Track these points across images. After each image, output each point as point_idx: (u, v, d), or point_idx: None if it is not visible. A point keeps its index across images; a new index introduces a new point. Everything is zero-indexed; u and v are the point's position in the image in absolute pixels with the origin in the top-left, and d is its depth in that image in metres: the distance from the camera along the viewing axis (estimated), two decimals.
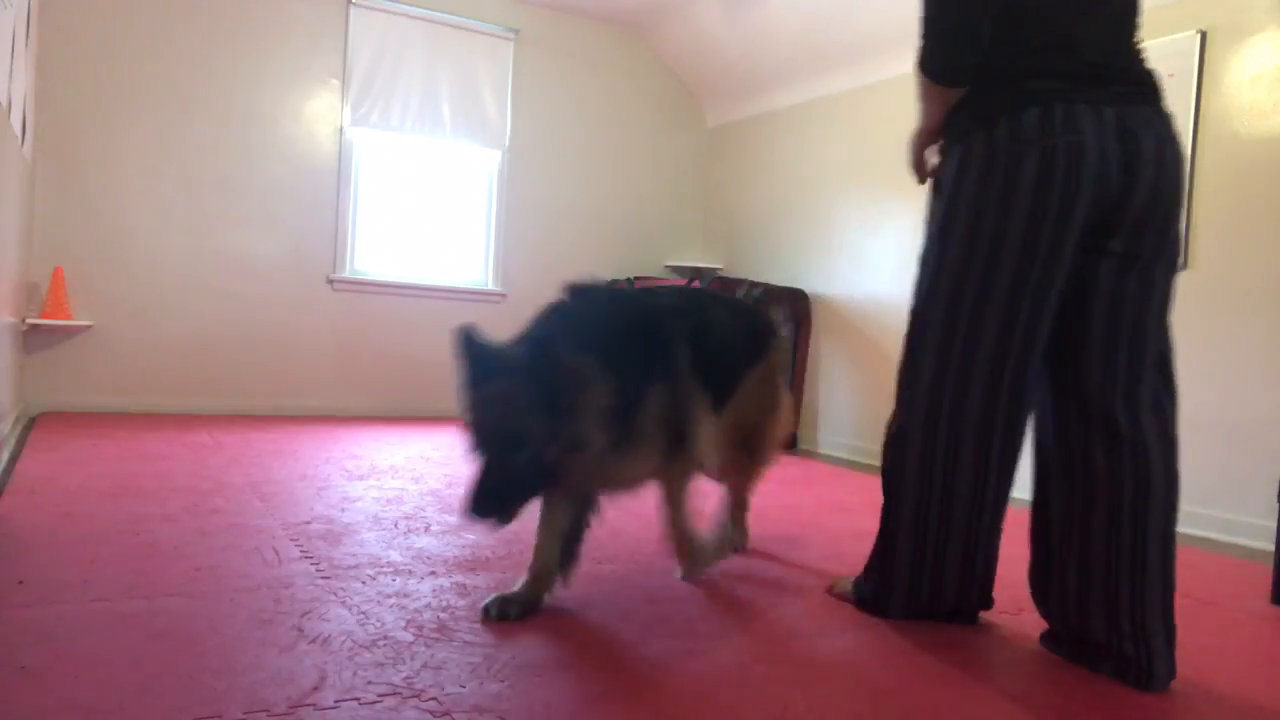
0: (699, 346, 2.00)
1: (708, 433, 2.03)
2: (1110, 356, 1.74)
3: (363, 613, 1.84)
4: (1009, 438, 1.84)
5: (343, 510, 2.81)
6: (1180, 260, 1.78)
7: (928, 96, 1.87)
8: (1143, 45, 1.79)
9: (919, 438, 1.88)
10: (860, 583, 2.08)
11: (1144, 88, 1.74)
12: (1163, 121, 1.73)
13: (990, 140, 1.73)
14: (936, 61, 1.79)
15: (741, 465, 2.46)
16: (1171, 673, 1.70)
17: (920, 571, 1.94)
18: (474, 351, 1.69)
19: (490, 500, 1.65)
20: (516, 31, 5.73)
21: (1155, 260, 1.73)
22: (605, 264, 6.06)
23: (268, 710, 1.36)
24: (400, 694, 1.45)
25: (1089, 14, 1.71)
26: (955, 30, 1.75)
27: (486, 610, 1.86)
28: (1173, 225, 1.74)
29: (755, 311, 2.54)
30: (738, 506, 2.57)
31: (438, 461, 3.89)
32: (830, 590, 2.20)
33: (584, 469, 1.75)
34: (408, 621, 1.80)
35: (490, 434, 1.67)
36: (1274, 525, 2.58)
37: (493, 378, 1.67)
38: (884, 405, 4.80)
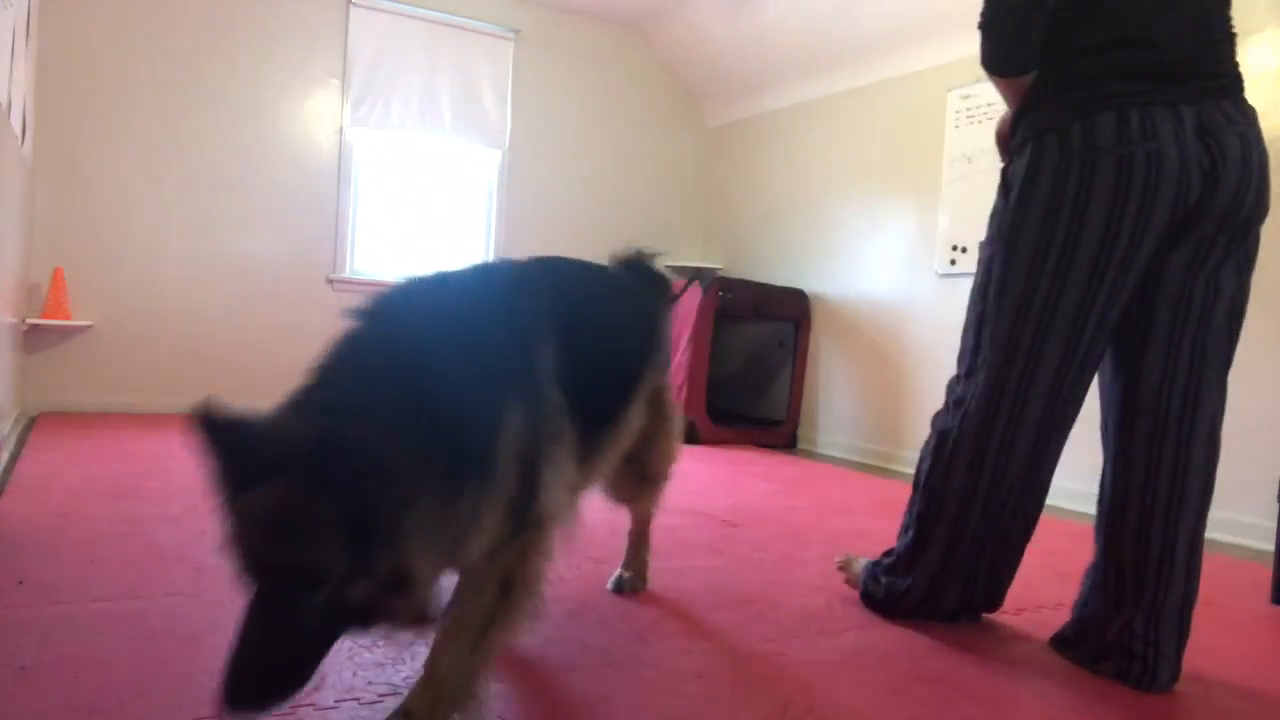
0: (572, 358, 1.39)
1: (563, 493, 1.36)
2: (1172, 359, 1.70)
3: None
4: (1059, 446, 1.84)
5: None
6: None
7: (999, 87, 1.85)
8: (1234, 32, 1.72)
9: (970, 442, 1.84)
10: (872, 578, 2.06)
11: (1224, 80, 1.67)
12: (1246, 119, 1.66)
13: (1063, 146, 1.67)
14: (988, 55, 1.78)
15: (633, 488, 2.01)
16: (1175, 676, 1.70)
17: (946, 576, 1.93)
18: (225, 439, 1.02)
19: (261, 679, 0.99)
20: (516, 31, 5.73)
21: (1224, 262, 1.67)
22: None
23: None
24: (400, 694, 1.44)
25: (1172, 8, 1.65)
26: (1004, 26, 1.72)
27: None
28: (1253, 229, 1.69)
29: (645, 295, 1.95)
30: (638, 539, 2.15)
31: None
32: (840, 567, 2.18)
33: (407, 608, 1.08)
34: None
35: (261, 569, 1.02)
36: (1274, 525, 2.58)
37: (260, 481, 1.00)
38: (884, 405, 4.83)
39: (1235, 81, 1.69)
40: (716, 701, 1.50)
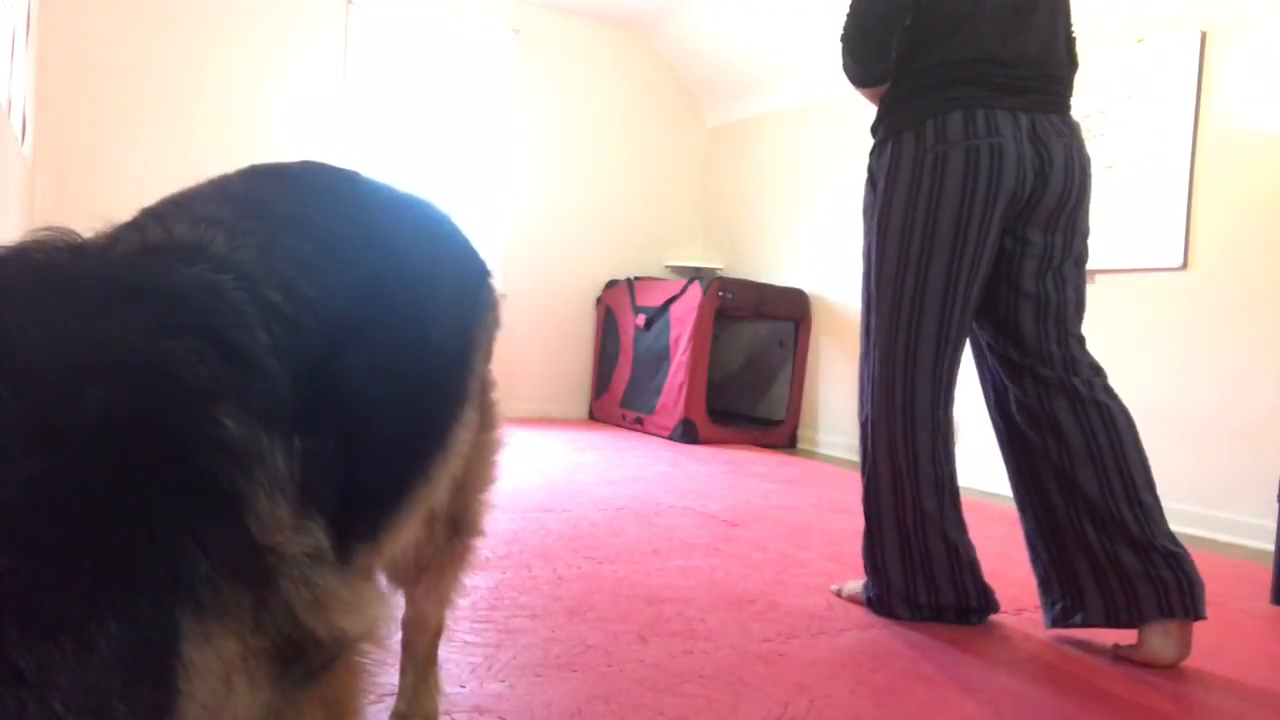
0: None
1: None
2: (1047, 350, 1.91)
3: None
4: (949, 420, 2.00)
5: None
6: (1088, 256, 1.98)
7: (861, 92, 2.11)
8: (1074, 57, 1.96)
9: (884, 426, 1.98)
10: (867, 585, 2.11)
11: (1054, 97, 1.91)
12: (1070, 130, 1.91)
13: (919, 140, 1.91)
14: (849, 69, 2.02)
15: (433, 551, 1.26)
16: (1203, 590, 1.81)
17: (909, 560, 1.99)
18: None
19: None
20: (516, 31, 5.73)
21: (1065, 258, 1.92)
22: (605, 264, 6.06)
23: None
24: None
25: (1018, 31, 1.88)
26: (864, 44, 1.94)
27: None
28: (1080, 224, 1.93)
29: (466, 254, 1.17)
30: (425, 657, 1.34)
31: None
32: (839, 594, 2.21)
33: None
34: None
35: None
36: (1274, 525, 2.58)
37: None
38: None
39: (1063, 99, 1.94)
40: (716, 701, 1.50)
